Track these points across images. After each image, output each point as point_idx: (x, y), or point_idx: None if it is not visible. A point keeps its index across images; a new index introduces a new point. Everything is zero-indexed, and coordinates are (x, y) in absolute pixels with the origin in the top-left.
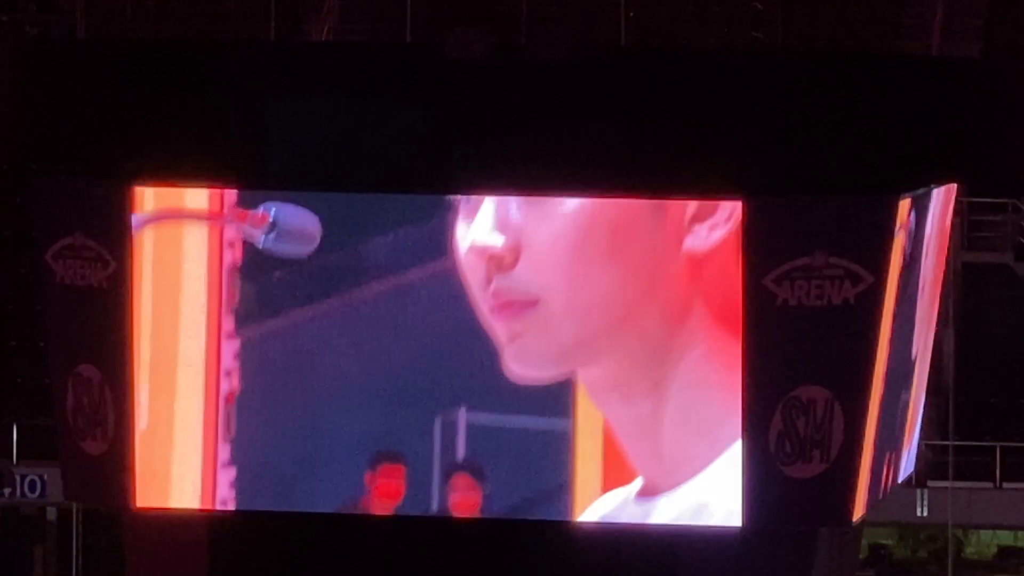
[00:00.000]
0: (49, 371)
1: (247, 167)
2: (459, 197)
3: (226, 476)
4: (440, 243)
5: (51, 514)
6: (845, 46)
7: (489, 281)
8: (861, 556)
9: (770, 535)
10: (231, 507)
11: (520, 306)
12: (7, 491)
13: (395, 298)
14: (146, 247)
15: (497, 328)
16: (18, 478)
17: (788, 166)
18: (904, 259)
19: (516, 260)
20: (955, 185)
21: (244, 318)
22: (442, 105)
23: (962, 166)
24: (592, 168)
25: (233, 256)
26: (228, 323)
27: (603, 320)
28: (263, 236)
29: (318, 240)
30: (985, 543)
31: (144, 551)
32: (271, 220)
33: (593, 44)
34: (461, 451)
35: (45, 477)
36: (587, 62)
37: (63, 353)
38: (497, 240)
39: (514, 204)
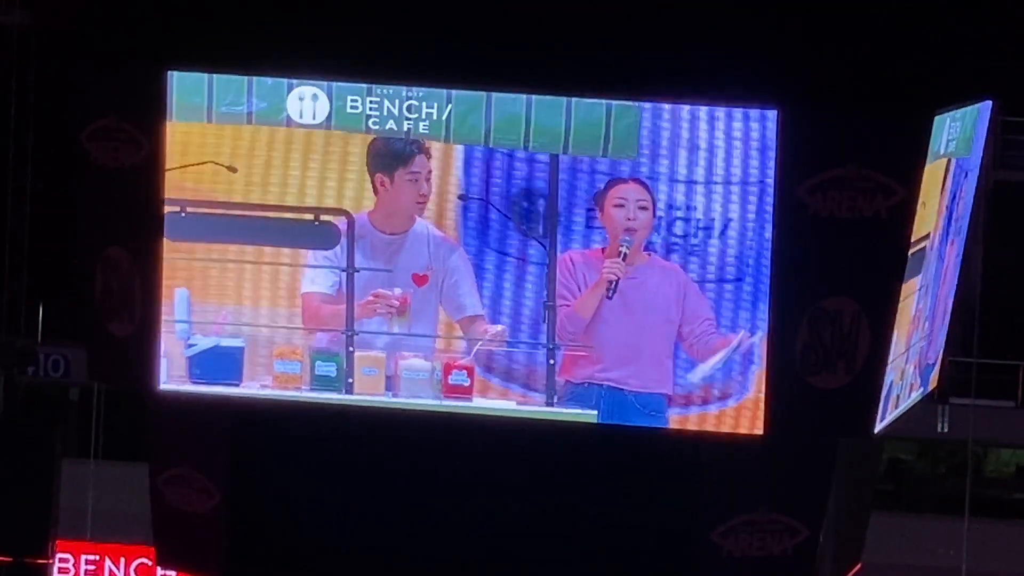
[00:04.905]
0: (77, 252)
1: (281, 54)
2: None
3: None
4: None
5: (73, 394)
6: None
7: None
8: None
9: (792, 444)
10: None
11: None
12: (30, 370)
13: None
14: None
15: None
16: (42, 357)
17: (825, 78)
18: (942, 175)
19: None
20: (991, 102)
21: None
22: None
23: (998, 84)
24: (629, 71)
25: None
26: None
27: None
28: None
29: None
30: (1004, 461)
31: (166, 434)
32: None
33: None
34: None
35: (69, 357)
36: None
37: (92, 235)
38: None
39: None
